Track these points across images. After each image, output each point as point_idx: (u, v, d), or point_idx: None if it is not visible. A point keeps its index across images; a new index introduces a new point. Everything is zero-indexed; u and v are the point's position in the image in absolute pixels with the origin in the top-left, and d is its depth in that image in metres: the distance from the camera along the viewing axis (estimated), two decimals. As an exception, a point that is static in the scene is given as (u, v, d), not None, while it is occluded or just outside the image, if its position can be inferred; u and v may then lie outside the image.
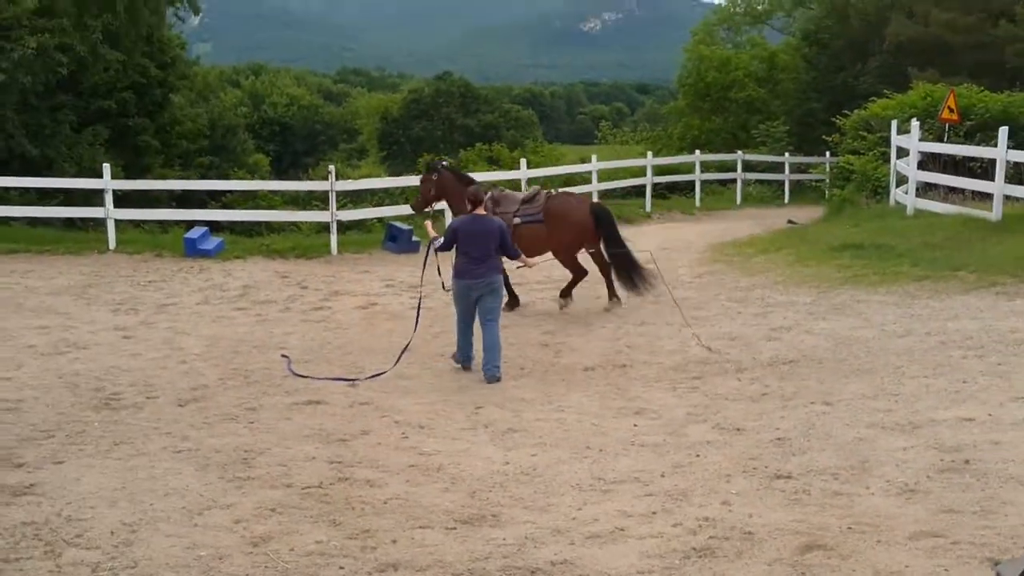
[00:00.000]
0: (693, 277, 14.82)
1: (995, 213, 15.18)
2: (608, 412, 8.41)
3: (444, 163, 14.44)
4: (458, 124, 60.78)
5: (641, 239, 19.95)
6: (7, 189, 20.81)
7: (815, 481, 6.44)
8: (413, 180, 23.76)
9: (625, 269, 12.79)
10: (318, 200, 24.82)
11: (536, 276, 14.72)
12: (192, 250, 17.48)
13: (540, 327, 12.06)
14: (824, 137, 27.95)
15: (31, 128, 23.90)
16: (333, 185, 18.29)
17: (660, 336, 11.21)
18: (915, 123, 18.09)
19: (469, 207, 10.34)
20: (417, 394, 9.12)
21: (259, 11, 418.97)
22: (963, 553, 5.20)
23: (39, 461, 6.92)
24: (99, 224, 19.47)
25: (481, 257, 9.98)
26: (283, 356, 10.37)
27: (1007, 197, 15.27)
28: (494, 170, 30.50)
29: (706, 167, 29.51)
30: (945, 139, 19.01)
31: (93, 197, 19.40)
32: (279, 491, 6.44)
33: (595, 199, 23.40)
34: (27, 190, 21.42)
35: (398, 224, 18.75)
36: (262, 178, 38.52)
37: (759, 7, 45.16)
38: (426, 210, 13.88)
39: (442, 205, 14.72)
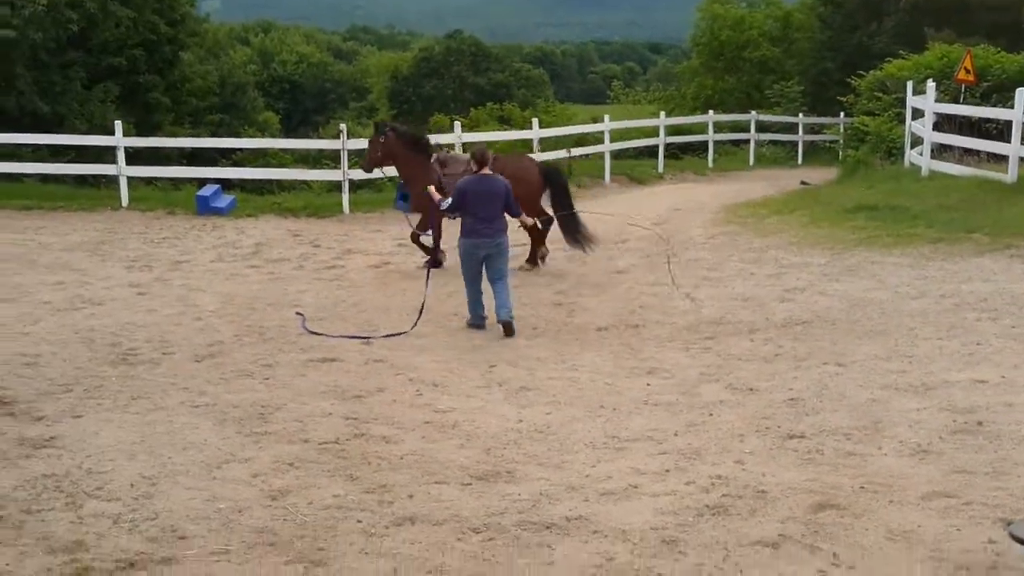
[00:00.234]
0: (707, 238, 14.79)
1: (1010, 175, 15.08)
2: (621, 371, 8.45)
3: (391, 126, 14.26)
4: (469, 83, 60.34)
5: (653, 200, 19.97)
6: (19, 146, 20.84)
7: (828, 441, 6.48)
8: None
9: (570, 229, 12.89)
10: (329, 159, 24.78)
11: (548, 237, 14.71)
12: (204, 208, 17.51)
13: (553, 287, 12.08)
14: (839, 98, 27.73)
15: (42, 85, 23.87)
16: (345, 144, 18.23)
17: (673, 296, 11.21)
18: (931, 84, 17.93)
19: (475, 167, 10.35)
20: (431, 352, 9.16)
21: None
22: (975, 513, 5.24)
23: (58, 415, 6.99)
24: (111, 181, 19.51)
25: (489, 217, 10.05)
26: (297, 314, 10.40)
27: (1023, 159, 15.16)
28: (505, 129, 30.39)
29: (719, 127, 29.34)
30: (961, 100, 18.85)
31: (105, 154, 19.41)
32: (296, 446, 6.51)
33: (607, 160, 23.44)
34: (39, 147, 21.44)
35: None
36: (272, 136, 38.48)
37: (774, -35, 44.58)
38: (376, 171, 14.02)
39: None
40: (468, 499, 5.66)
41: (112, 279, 12.21)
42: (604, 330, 9.99)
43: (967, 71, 18.74)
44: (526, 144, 22.81)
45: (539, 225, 12.89)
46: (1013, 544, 4.51)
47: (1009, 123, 15.52)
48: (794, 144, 31.26)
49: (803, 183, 21.71)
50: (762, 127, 30.70)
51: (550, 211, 13.04)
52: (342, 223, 17.02)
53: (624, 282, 12.16)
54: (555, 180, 13.07)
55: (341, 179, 18.28)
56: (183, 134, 29.53)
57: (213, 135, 30.71)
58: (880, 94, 22.41)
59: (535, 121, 23.37)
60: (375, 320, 10.36)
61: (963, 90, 19.11)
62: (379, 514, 5.44)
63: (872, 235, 13.46)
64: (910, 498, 5.49)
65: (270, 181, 22.66)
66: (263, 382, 8.01)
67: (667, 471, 6.07)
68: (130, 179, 18.59)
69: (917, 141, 18.79)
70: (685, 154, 30.30)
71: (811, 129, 31.90)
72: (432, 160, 13.07)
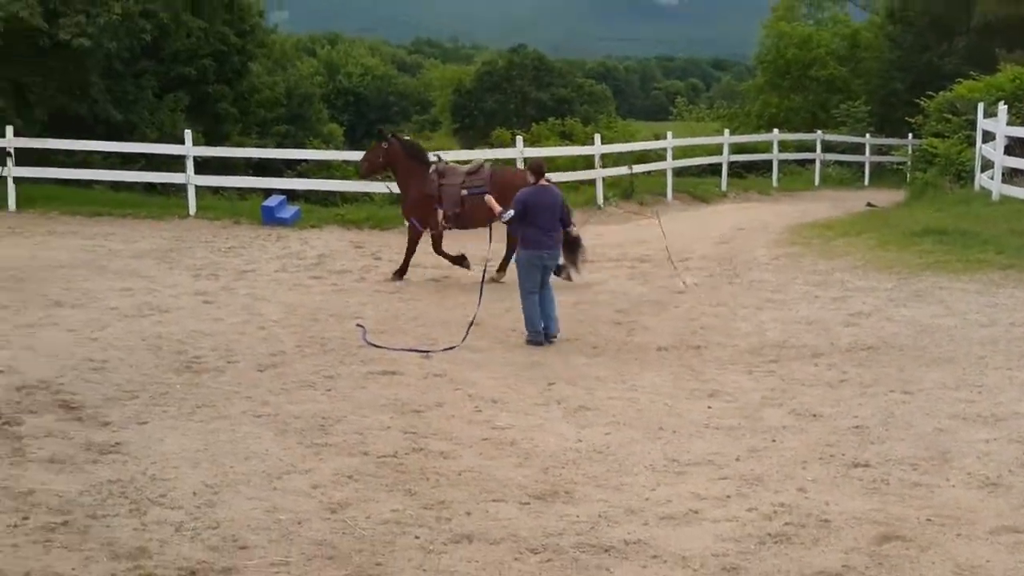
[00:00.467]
0: (770, 259, 14.64)
1: (1085, 201, 14.75)
2: (682, 393, 8.37)
3: (394, 135, 14.44)
4: (531, 97, 60.48)
5: (716, 218, 19.84)
6: (92, 153, 21.30)
7: (894, 471, 6.36)
8: (487, 153, 23.82)
9: (570, 246, 12.54)
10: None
11: (611, 254, 14.72)
12: (269, 218, 17.73)
13: (613, 305, 12.02)
14: (907, 118, 27.29)
15: (115, 93, 24.37)
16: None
17: (736, 317, 11.11)
18: (1002, 106, 17.61)
19: (532, 179, 10.41)
20: (489, 368, 9.16)
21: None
22: (1047, 550, 5.10)
23: (124, 421, 7.10)
24: (179, 189, 19.85)
25: (550, 227, 10.29)
26: (358, 325, 10.47)
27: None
28: (567, 145, 30.38)
29: (784, 146, 29.08)
30: (1034, 124, 18.48)
31: (173, 163, 19.76)
32: (356, 459, 6.54)
33: (670, 177, 23.33)
34: (111, 155, 21.90)
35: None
36: (336, 148, 38.77)
37: (842, -17, 44.14)
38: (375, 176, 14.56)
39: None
40: (526, 519, 5.64)
41: (179, 287, 12.40)
42: (664, 350, 9.92)
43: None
44: (588, 160, 22.80)
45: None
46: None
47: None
48: (861, 165, 30.86)
49: (870, 205, 21.42)
50: (828, 147, 30.35)
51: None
52: (403, 235, 17.07)
53: (685, 302, 12.07)
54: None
55: (403, 192, 18.32)
56: (250, 144, 29.99)
57: (279, 146, 31.16)
58: (950, 116, 22.04)
59: (597, 137, 23.36)
60: (434, 333, 10.39)
61: (1036, 113, 18.74)
62: (437, 530, 5.44)
63: (940, 260, 13.22)
64: (978, 532, 5.37)
65: (334, 193, 22.87)
66: (324, 393, 8.08)
67: (728, 497, 5.99)
68: (198, 188, 18.89)
69: (988, 164, 18.45)
70: (749, 173, 30.03)
71: (878, 150, 31.47)
72: (431, 170, 13.26)
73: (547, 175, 10.79)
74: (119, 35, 22.01)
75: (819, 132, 30.24)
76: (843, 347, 9.71)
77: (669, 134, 24.80)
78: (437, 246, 13.66)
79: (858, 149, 31.04)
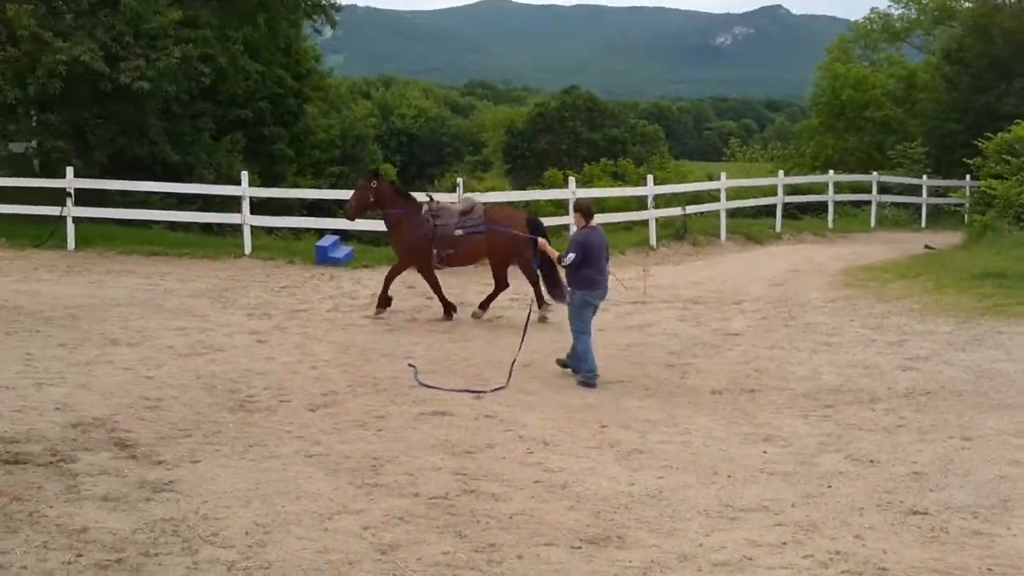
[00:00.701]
0: (826, 302, 14.47)
1: None
2: (735, 437, 8.26)
3: (380, 174, 14.53)
4: (583, 138, 60.71)
5: (770, 260, 19.67)
6: (150, 194, 21.70)
7: (953, 519, 6.22)
8: (539, 194, 23.95)
9: (552, 281, 12.97)
10: (444, 212, 25.08)
11: (663, 295, 14.65)
12: (323, 258, 17.90)
13: (665, 347, 11.94)
14: (965, 160, 27.01)
15: (173, 135, 24.83)
16: (460, 197, 18.43)
17: (791, 361, 10.97)
18: (1064, 148, 17.34)
19: (583, 221, 10.41)
20: (541, 409, 9.11)
21: (390, 24, 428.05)
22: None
23: (177, 459, 7.15)
24: (234, 229, 20.12)
25: (604, 268, 10.37)
26: (410, 365, 10.49)
27: None
28: (619, 185, 30.41)
29: (839, 188, 28.83)
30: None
31: (230, 203, 20.04)
32: (406, 500, 6.51)
33: (723, 218, 23.20)
34: (168, 195, 22.29)
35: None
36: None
37: (897, 25, 43.91)
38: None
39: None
40: (578, 563, 5.57)
41: (233, 326, 12.53)
42: (718, 393, 9.81)
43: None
44: (640, 200, 22.76)
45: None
46: None
47: None
48: (917, 207, 30.49)
49: (927, 247, 21.14)
50: (884, 188, 30.03)
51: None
52: (454, 276, 17.15)
53: (739, 344, 11.95)
54: (541, 232, 13.22)
55: (456, 232, 18.44)
56: (305, 185, 30.38)
57: (333, 186, 31.50)
58: (1009, 157, 21.77)
59: (650, 177, 23.33)
60: (485, 374, 10.37)
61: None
62: (487, 574, 5.39)
63: (1000, 304, 12.99)
64: (1044, 585, 5.21)
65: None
66: (375, 433, 8.08)
67: (784, 543, 5.88)
68: (253, 228, 19.14)
69: (1049, 206, 18.14)
70: (804, 214, 29.83)
71: (935, 192, 31.09)
72: (423, 211, 13.28)
73: (595, 215, 10.86)
74: (178, 78, 22.46)
75: (875, 173, 29.96)
76: (900, 392, 9.54)
77: (723, 175, 24.71)
78: (393, 275, 13.68)
79: (915, 191, 30.70)
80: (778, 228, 25.30)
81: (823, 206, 28.27)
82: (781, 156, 42.80)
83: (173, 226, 21.27)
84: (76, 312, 12.75)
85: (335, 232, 19.49)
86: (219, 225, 21.71)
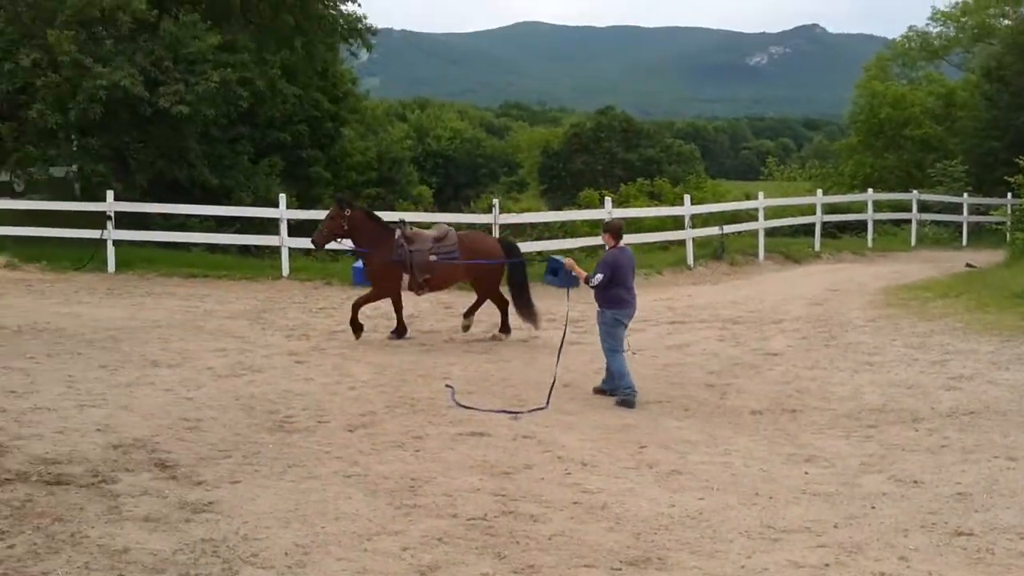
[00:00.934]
0: (866, 321, 14.31)
1: None
2: (777, 458, 8.17)
3: (348, 201, 14.29)
4: (619, 158, 60.60)
5: (809, 280, 19.50)
6: (189, 217, 21.94)
7: (999, 540, 6.11)
8: (575, 215, 23.90)
9: (524, 304, 13.46)
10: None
11: (701, 315, 14.58)
12: (360, 279, 17.95)
13: (704, 367, 11.85)
14: (1006, 178, 26.63)
15: (211, 158, 25.11)
16: (497, 218, 18.50)
17: (832, 381, 10.85)
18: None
19: (612, 241, 10.40)
20: (579, 430, 9.06)
21: (426, 47, 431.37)
22: None
23: (217, 480, 7.17)
24: (273, 251, 20.26)
25: (631, 287, 10.41)
26: (447, 386, 10.48)
27: None
28: (655, 205, 30.29)
29: (879, 206, 28.58)
30: None
31: (268, 225, 20.19)
32: (445, 520, 6.49)
33: (761, 237, 23.03)
34: (207, 218, 22.53)
35: (559, 258, 18.72)
36: (425, 209, 39.42)
37: (935, 43, 43.54)
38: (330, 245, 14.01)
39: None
40: (618, 585, 5.52)
41: (272, 347, 12.59)
42: (759, 414, 9.72)
43: None
44: (677, 220, 22.65)
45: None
46: None
47: None
48: (958, 225, 30.16)
49: (969, 265, 20.88)
50: (924, 207, 29.74)
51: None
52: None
53: (779, 364, 11.84)
54: (517, 255, 13.71)
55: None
56: (342, 207, 30.45)
57: (370, 208, 31.67)
58: (1051, 175, 21.47)
59: (687, 197, 23.24)
60: (523, 395, 10.34)
61: None
62: (527, 596, 5.35)
63: (1044, 322, 12.78)
64: (1097, 610, 5.09)
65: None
66: (414, 454, 8.06)
67: (827, 565, 5.79)
68: (291, 250, 19.27)
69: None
70: (843, 233, 29.58)
71: (976, 210, 30.73)
72: (397, 236, 13.25)
73: (624, 235, 10.90)
74: (216, 102, 22.74)
75: (915, 192, 29.67)
76: (944, 411, 9.40)
77: (761, 194, 24.59)
78: (362, 302, 13.55)
79: (955, 209, 30.37)
80: (817, 247, 25.11)
81: (862, 225, 28.03)
82: (819, 175, 42.43)
83: (212, 248, 21.49)
84: (117, 334, 12.87)
85: (372, 253, 19.53)
86: (257, 247, 21.90)
